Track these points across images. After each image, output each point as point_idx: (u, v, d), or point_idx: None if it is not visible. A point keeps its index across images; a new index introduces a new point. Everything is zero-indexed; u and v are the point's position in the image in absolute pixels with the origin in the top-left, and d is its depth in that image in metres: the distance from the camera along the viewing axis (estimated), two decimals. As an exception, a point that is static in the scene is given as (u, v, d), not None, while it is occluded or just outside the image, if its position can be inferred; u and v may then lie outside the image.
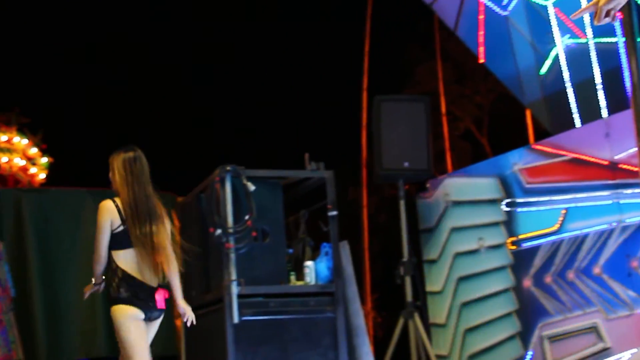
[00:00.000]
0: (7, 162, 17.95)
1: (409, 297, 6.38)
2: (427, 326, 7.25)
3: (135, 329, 4.53)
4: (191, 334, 6.48)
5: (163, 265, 4.58)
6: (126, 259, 4.57)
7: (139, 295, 4.53)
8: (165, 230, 4.69)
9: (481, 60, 8.96)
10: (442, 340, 7.47)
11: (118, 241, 4.59)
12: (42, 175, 18.77)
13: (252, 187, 5.80)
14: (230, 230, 5.70)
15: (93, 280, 4.79)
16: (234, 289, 5.63)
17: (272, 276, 5.86)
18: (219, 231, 5.70)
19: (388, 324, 16.76)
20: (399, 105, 6.64)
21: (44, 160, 18.70)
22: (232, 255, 5.70)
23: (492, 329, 7.27)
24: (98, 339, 7.48)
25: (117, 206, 4.61)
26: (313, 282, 5.98)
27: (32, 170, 18.48)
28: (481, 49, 8.86)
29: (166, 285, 4.67)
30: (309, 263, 6.05)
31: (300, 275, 6.09)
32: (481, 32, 8.80)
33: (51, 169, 18.89)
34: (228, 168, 5.80)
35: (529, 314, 7.08)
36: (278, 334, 5.74)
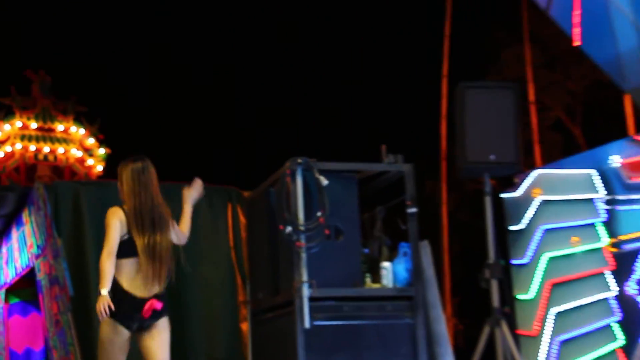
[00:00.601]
0: (63, 153, 18.41)
1: (496, 302, 6.28)
2: (516, 336, 7.13)
3: (113, 338, 5.05)
4: (259, 339, 6.52)
5: (164, 272, 5.10)
6: (123, 269, 4.99)
7: (122, 308, 4.96)
8: (170, 239, 5.20)
9: (576, 43, 8.76)
10: (533, 352, 7.33)
11: (121, 250, 4.98)
12: (100, 168, 19.19)
13: (324, 181, 5.79)
14: (301, 228, 5.70)
15: (103, 288, 4.90)
16: (305, 292, 5.63)
17: (346, 278, 5.84)
18: (289, 228, 5.70)
19: (470, 332, 16.62)
20: (485, 93, 6.53)
21: (102, 151, 19.10)
22: (303, 255, 5.70)
23: (590, 340, 7.11)
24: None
25: (125, 214, 5.03)
26: (390, 285, 5.95)
27: (89, 162, 18.91)
28: (576, 30, 8.66)
29: (161, 296, 5.16)
30: (386, 264, 6.01)
31: (376, 277, 6.06)
32: (577, 12, 8.60)
33: (108, 161, 19.28)
34: (299, 160, 5.80)
35: (632, 325, 6.90)
36: (352, 340, 5.72)
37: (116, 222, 5.00)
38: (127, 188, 5.11)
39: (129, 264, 5.01)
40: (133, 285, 5.00)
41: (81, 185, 7.72)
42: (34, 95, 18.47)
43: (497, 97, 6.51)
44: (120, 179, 5.17)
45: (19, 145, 17.93)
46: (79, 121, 18.83)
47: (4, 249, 9.19)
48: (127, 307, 5.02)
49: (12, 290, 9.22)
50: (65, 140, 18.54)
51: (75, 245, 7.16)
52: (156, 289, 5.09)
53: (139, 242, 5.00)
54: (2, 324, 9.18)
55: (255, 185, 6.82)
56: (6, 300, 9.28)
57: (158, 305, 5.10)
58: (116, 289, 4.96)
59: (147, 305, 5.04)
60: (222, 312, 7.89)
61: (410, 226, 6.02)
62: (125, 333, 5.07)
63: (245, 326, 7.78)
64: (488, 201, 6.52)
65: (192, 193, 5.58)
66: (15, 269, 8.56)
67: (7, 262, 8.99)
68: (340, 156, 6.41)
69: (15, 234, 8.57)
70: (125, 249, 5.01)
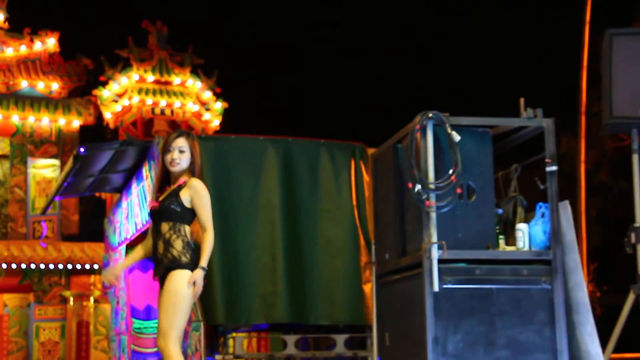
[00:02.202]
0: (180, 107, 18.87)
1: (641, 269, 6.10)
2: (663, 305, 6.92)
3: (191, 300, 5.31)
4: (383, 302, 6.56)
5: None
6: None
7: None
8: None
9: None
10: (682, 323, 7.11)
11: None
12: (216, 122, 19.57)
13: (457, 136, 5.73)
14: (432, 186, 5.66)
15: (206, 263, 5.30)
16: (435, 253, 5.61)
17: (478, 239, 5.79)
18: (418, 187, 5.68)
19: (609, 299, 16.23)
20: (636, 41, 6.29)
21: (218, 105, 19.46)
22: (433, 215, 5.67)
23: None
24: (279, 304, 7.74)
25: None
26: (526, 248, 5.87)
27: (206, 116, 19.30)
28: None
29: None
30: (521, 225, 5.92)
31: (510, 240, 5.99)
32: None
33: (225, 115, 19.62)
34: (430, 115, 5.74)
35: None
36: (484, 305, 5.69)
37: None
38: (202, 163, 5.54)
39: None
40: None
41: (201, 140, 7.90)
42: (151, 46, 18.94)
43: (648, 46, 6.26)
44: (194, 152, 5.45)
45: (136, 99, 18.48)
46: (195, 74, 19.19)
47: (125, 204, 9.53)
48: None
49: (132, 245, 9.57)
50: (182, 93, 18.97)
51: (195, 201, 7.34)
52: None
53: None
54: (124, 279, 9.56)
55: (380, 141, 6.81)
56: (126, 255, 9.64)
57: None
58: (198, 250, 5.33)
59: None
60: (344, 273, 7.97)
61: (549, 185, 5.89)
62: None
63: (367, 288, 7.84)
64: (636, 159, 6.32)
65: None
66: (135, 224, 8.87)
67: (127, 217, 9.33)
68: (474, 109, 6.31)
69: (135, 189, 8.87)
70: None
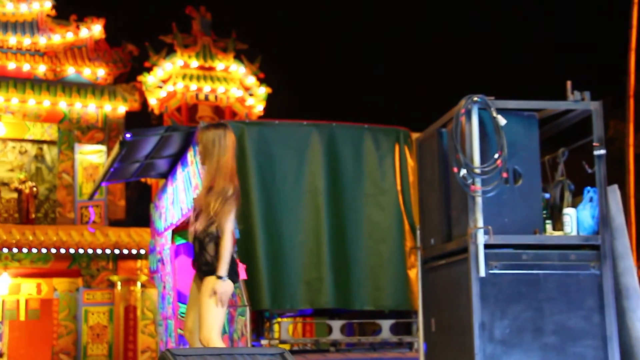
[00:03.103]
0: (224, 93, 18.95)
1: (693, 254, 5.99)
2: None
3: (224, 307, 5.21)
4: (429, 287, 6.52)
5: None
6: None
7: (236, 270, 5.27)
8: None
9: None
10: None
11: None
12: (260, 107, 19.62)
13: (503, 120, 5.65)
14: (477, 171, 5.60)
15: (224, 272, 5.17)
16: (481, 238, 5.55)
17: (525, 224, 5.71)
18: (463, 171, 5.62)
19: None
20: (686, 20, 6.16)
21: (262, 90, 19.49)
22: (479, 199, 5.61)
23: None
24: (324, 289, 7.75)
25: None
26: (574, 233, 5.78)
27: (250, 101, 19.36)
28: None
29: None
30: (569, 210, 5.84)
31: (558, 225, 5.91)
32: None
33: (269, 100, 19.66)
34: (475, 98, 5.67)
35: None
36: (531, 291, 5.62)
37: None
38: (232, 155, 5.37)
39: None
40: None
41: (245, 125, 7.93)
42: (195, 32, 19.02)
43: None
44: (228, 147, 5.40)
45: (180, 85, 18.58)
46: (239, 59, 19.25)
47: (170, 189, 9.60)
48: (237, 271, 5.34)
49: (178, 231, 9.63)
50: (226, 79, 19.04)
51: (239, 186, 7.36)
52: None
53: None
54: (170, 263, 9.63)
55: (424, 126, 6.76)
56: (172, 240, 9.71)
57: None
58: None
59: (240, 266, 5.38)
60: (389, 258, 7.96)
61: (597, 170, 5.80)
62: None
63: (412, 273, 7.81)
64: (686, 142, 6.19)
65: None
66: (181, 210, 8.92)
67: (173, 203, 9.39)
68: (520, 93, 6.23)
69: (180, 174, 8.92)
70: None
